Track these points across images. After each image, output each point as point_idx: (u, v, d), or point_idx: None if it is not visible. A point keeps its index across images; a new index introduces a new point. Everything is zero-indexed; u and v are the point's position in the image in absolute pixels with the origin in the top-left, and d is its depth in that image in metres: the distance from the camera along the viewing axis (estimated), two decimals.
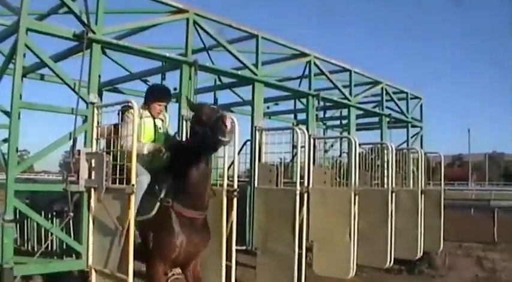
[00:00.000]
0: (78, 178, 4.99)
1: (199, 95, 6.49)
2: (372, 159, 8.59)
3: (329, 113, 11.88)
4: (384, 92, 10.17)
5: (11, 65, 5.17)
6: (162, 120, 5.53)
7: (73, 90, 5.07)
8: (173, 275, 6.77)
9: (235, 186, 5.47)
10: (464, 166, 65.30)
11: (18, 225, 5.81)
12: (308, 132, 6.99)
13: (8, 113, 4.80)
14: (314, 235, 6.93)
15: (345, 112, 10.54)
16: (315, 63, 8.29)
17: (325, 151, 9.50)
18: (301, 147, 6.60)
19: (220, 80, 9.14)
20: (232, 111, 9.23)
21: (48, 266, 5.02)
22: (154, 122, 5.40)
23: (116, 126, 5.05)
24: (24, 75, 5.76)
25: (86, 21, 5.12)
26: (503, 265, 10.04)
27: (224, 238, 5.26)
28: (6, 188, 4.58)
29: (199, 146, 4.69)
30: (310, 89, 8.26)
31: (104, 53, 6.57)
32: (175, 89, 6.55)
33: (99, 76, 5.56)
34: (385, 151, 8.35)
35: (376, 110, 10.48)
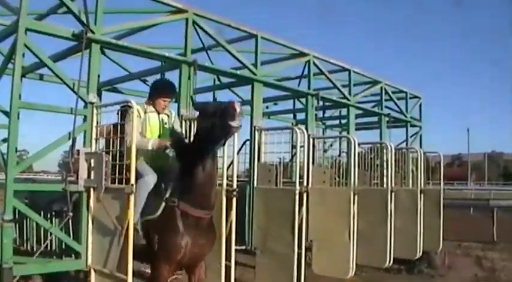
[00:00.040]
0: (77, 178, 4.99)
1: (199, 95, 6.50)
2: (371, 158, 8.59)
3: (328, 113, 11.88)
4: (383, 91, 10.17)
5: (10, 65, 5.17)
6: (168, 116, 5.43)
7: (72, 90, 5.06)
8: (172, 274, 6.78)
9: (235, 186, 5.48)
10: (463, 166, 65.34)
11: (17, 225, 5.82)
12: (307, 131, 6.99)
13: (7, 113, 4.80)
14: (313, 235, 6.93)
15: (344, 112, 10.54)
16: (314, 62, 8.29)
17: (325, 151, 9.49)
18: (301, 146, 6.60)
19: (219, 80, 9.14)
20: None
21: (47, 265, 5.03)
22: (159, 118, 5.30)
23: (115, 126, 5.04)
24: (23, 75, 5.76)
25: (85, 21, 5.12)
26: (502, 264, 10.04)
27: (224, 238, 5.27)
28: (5, 188, 4.58)
29: (208, 139, 4.61)
30: (309, 88, 8.26)
31: (103, 52, 6.58)
32: None
33: (98, 76, 5.55)
34: (385, 151, 8.35)
35: (376, 109, 10.48)
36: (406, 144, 10.88)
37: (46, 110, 5.25)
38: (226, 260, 5.33)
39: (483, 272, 9.38)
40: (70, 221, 5.00)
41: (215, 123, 4.47)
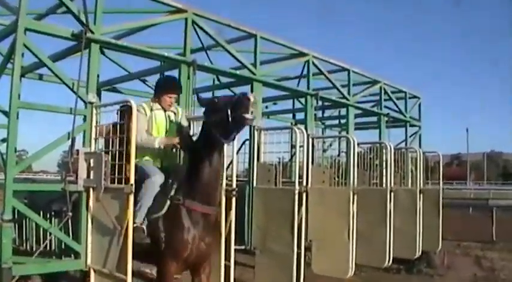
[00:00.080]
0: (76, 178, 4.98)
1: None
2: (370, 158, 8.59)
3: (327, 113, 11.90)
4: (383, 91, 10.18)
5: (9, 65, 5.16)
6: (175, 113, 5.36)
7: (71, 90, 5.06)
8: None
9: (234, 185, 5.48)
10: (462, 165, 65.37)
11: (16, 225, 5.81)
12: (307, 131, 6.99)
13: (6, 113, 4.80)
14: (313, 234, 6.93)
15: (343, 111, 10.55)
16: (313, 62, 8.30)
17: (324, 150, 9.49)
18: (300, 146, 6.61)
19: (218, 80, 9.14)
20: None
21: (46, 265, 5.02)
22: (166, 115, 5.24)
23: (114, 125, 5.03)
24: (22, 75, 5.76)
25: (84, 21, 5.12)
26: (501, 264, 10.05)
27: (223, 238, 5.27)
28: (4, 188, 4.57)
29: (220, 133, 4.53)
30: (308, 88, 8.27)
31: (103, 52, 6.59)
32: None
33: (98, 76, 5.55)
34: (384, 150, 8.36)
35: (375, 109, 10.50)
36: (405, 144, 10.90)
37: (45, 109, 5.24)
38: (225, 259, 5.33)
39: (482, 271, 9.38)
40: (69, 221, 4.99)
41: (227, 117, 4.40)
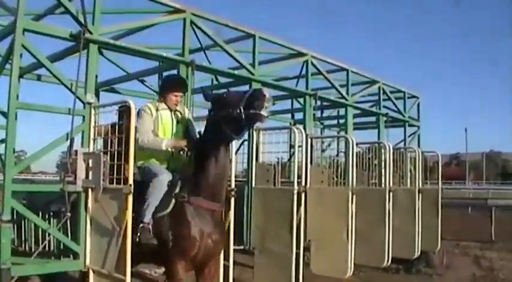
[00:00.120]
0: (75, 178, 4.98)
1: (196, 95, 6.48)
2: (369, 158, 8.60)
3: (326, 113, 11.91)
4: (381, 91, 10.19)
5: (7, 66, 5.17)
6: (181, 113, 5.24)
7: (70, 90, 5.05)
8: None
9: (233, 185, 5.48)
10: (461, 165, 65.36)
11: (15, 226, 5.81)
12: (305, 131, 6.99)
13: (4, 114, 4.79)
14: (312, 234, 6.93)
15: (342, 111, 10.56)
16: (312, 62, 8.30)
17: (323, 150, 9.50)
18: (299, 146, 6.61)
19: (217, 80, 9.15)
20: None
21: (45, 266, 5.01)
22: (172, 115, 5.12)
23: (113, 126, 5.03)
24: (21, 76, 5.74)
25: (82, 22, 5.12)
26: (500, 264, 10.04)
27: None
28: (3, 188, 4.58)
29: (230, 129, 4.48)
30: (307, 88, 8.28)
31: (101, 53, 6.60)
32: None
33: (96, 76, 5.56)
34: (383, 150, 8.36)
35: (373, 109, 10.51)
36: (404, 144, 10.91)
37: (44, 110, 5.23)
38: (224, 259, 5.33)
39: (481, 271, 9.38)
40: (68, 222, 4.99)
41: (240, 113, 4.34)
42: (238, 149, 7.58)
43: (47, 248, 5.53)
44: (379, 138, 10.08)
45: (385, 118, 10.33)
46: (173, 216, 4.63)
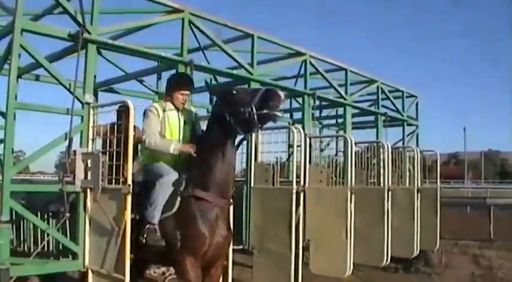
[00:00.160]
0: (74, 178, 4.98)
1: (195, 95, 6.49)
2: (367, 158, 8.60)
3: (325, 112, 11.92)
4: (380, 90, 10.20)
5: (6, 66, 5.17)
6: (188, 113, 5.10)
7: (68, 90, 5.06)
8: (170, 274, 6.79)
9: None
10: (460, 164, 65.40)
11: (14, 226, 5.81)
12: (304, 131, 6.98)
13: (3, 114, 4.79)
14: (310, 234, 6.93)
15: (340, 111, 10.57)
16: (310, 62, 8.31)
17: (321, 150, 9.49)
18: (297, 146, 6.61)
19: (216, 80, 9.14)
20: None
21: (44, 266, 5.02)
22: (179, 115, 4.98)
23: (112, 126, 5.03)
24: (19, 76, 5.75)
25: (81, 22, 5.12)
26: (499, 262, 10.06)
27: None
28: (2, 189, 4.58)
29: (241, 127, 4.44)
30: (306, 88, 8.28)
31: (100, 53, 6.58)
32: None
33: (95, 76, 5.55)
34: (381, 150, 8.36)
35: (372, 108, 10.52)
36: (403, 143, 10.92)
37: (42, 110, 5.23)
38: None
39: (480, 270, 9.39)
40: (67, 222, 4.99)
41: (251, 111, 4.29)
42: (237, 149, 7.56)
43: (45, 248, 5.53)
44: (377, 137, 10.09)
45: (383, 117, 10.35)
46: (180, 215, 4.56)
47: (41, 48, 5.19)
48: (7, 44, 5.01)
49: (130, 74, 7.79)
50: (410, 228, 8.59)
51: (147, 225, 4.54)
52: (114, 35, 6.59)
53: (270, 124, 4.78)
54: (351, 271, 6.84)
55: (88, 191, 4.93)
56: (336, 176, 7.83)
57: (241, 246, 6.93)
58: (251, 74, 7.14)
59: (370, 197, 7.72)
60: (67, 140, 4.95)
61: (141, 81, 8.44)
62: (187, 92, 5.02)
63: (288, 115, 11.84)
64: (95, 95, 5.88)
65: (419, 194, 8.91)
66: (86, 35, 5.13)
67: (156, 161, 4.84)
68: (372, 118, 10.88)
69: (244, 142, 7.27)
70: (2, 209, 4.54)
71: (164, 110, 4.90)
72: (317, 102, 8.77)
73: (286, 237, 6.04)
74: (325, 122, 12.52)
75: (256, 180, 6.75)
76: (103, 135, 5.12)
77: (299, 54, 8.22)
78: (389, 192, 7.88)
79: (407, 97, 11.24)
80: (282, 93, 4.32)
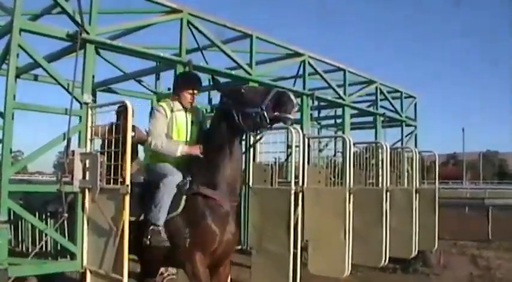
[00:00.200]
0: (72, 179, 4.97)
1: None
2: (366, 158, 8.61)
3: (323, 113, 11.93)
4: (378, 91, 10.20)
5: (4, 66, 5.16)
6: (194, 113, 5.02)
7: (67, 90, 5.05)
8: (168, 275, 6.78)
9: None
10: (458, 165, 65.57)
11: (12, 226, 5.80)
12: (302, 131, 6.99)
13: (1, 114, 4.78)
14: (309, 234, 6.93)
15: (339, 111, 10.59)
16: (309, 62, 8.30)
17: (320, 150, 9.50)
18: (296, 146, 6.61)
19: (214, 80, 9.11)
20: None
21: (42, 267, 5.00)
22: (187, 116, 4.90)
23: (111, 126, 5.01)
24: (17, 76, 5.74)
25: (79, 22, 5.11)
26: (497, 263, 10.07)
27: None
28: (0, 189, 4.56)
29: (246, 126, 4.45)
30: (304, 88, 8.28)
31: (98, 53, 6.57)
32: (169, 89, 6.54)
33: (93, 76, 5.55)
34: (380, 150, 8.37)
35: (371, 109, 10.52)
36: (401, 144, 10.92)
37: (41, 110, 5.22)
38: None
39: (478, 270, 9.40)
40: (65, 222, 4.98)
41: (262, 112, 4.32)
42: None
43: (44, 249, 5.52)
44: (376, 138, 10.09)
45: (382, 118, 10.34)
46: (187, 214, 4.53)
47: (40, 48, 5.19)
48: (5, 44, 5.00)
49: (129, 74, 7.78)
50: (409, 229, 8.59)
51: (151, 227, 4.51)
52: (113, 35, 6.58)
53: None
54: (349, 271, 6.83)
55: (86, 191, 4.92)
56: (334, 177, 7.83)
57: (239, 247, 6.92)
58: (250, 74, 7.14)
59: (369, 197, 7.72)
60: (65, 140, 4.95)
61: (139, 82, 8.44)
62: (195, 91, 4.99)
63: None
64: (93, 95, 5.87)
65: (417, 195, 8.91)
66: (84, 35, 5.12)
67: (159, 161, 4.80)
68: (370, 119, 10.89)
69: (243, 142, 7.30)
70: (0, 209, 4.53)
71: (172, 110, 4.83)
72: (316, 103, 8.78)
73: (284, 238, 6.04)
74: (324, 122, 12.53)
75: (255, 181, 6.75)
76: (101, 135, 5.12)
77: (298, 54, 8.22)
78: (388, 193, 7.88)
79: (405, 98, 11.24)
80: (294, 99, 4.36)
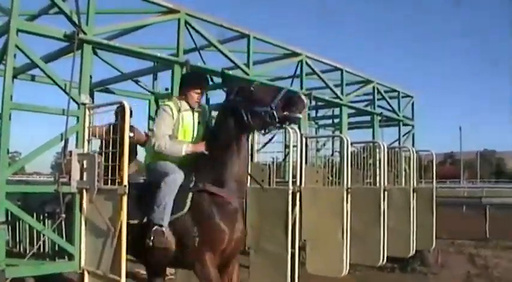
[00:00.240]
0: (69, 179, 4.97)
1: None
2: (364, 158, 8.60)
3: (321, 112, 11.94)
4: (376, 90, 10.21)
5: (1, 66, 5.15)
6: (200, 113, 4.99)
7: (64, 91, 5.04)
8: (167, 275, 6.77)
9: None
10: (456, 164, 65.70)
11: (10, 227, 5.78)
12: (300, 131, 6.98)
13: None
14: (307, 234, 6.93)
15: (336, 111, 10.58)
16: (306, 62, 8.31)
17: (317, 150, 9.52)
18: (293, 146, 6.60)
19: (212, 80, 9.10)
20: None
21: (40, 267, 4.99)
22: (194, 116, 4.88)
23: (109, 126, 5.01)
24: (14, 76, 5.71)
25: (76, 22, 5.10)
26: (495, 262, 10.10)
27: None
28: None
29: (255, 125, 4.46)
30: (302, 88, 8.27)
31: (95, 53, 6.57)
32: (166, 89, 6.53)
33: (91, 77, 5.53)
34: (377, 150, 8.37)
35: (368, 108, 10.54)
36: (399, 143, 10.93)
37: (38, 111, 5.21)
38: None
39: (476, 269, 9.43)
40: (63, 223, 4.97)
41: (273, 113, 4.32)
42: None
43: (41, 249, 5.50)
44: (373, 137, 10.11)
45: (379, 117, 10.36)
46: (195, 213, 4.47)
47: (37, 48, 5.17)
48: (2, 44, 4.99)
49: (126, 74, 7.77)
50: (407, 228, 8.60)
51: (154, 227, 4.46)
52: (110, 35, 6.58)
53: None
54: (347, 271, 6.84)
55: (84, 191, 4.92)
56: (332, 176, 7.83)
57: None
58: (247, 74, 7.14)
59: (366, 197, 7.72)
60: (63, 141, 4.93)
61: (136, 82, 8.42)
62: (202, 90, 4.97)
63: None
64: (91, 95, 5.86)
65: (415, 194, 8.93)
66: (81, 35, 5.11)
67: (160, 160, 4.78)
68: (367, 118, 10.90)
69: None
70: None
71: (179, 110, 4.80)
72: (313, 103, 8.78)
73: (282, 238, 6.04)
74: (321, 122, 12.54)
75: (253, 181, 6.75)
76: (99, 135, 5.11)
77: (295, 54, 8.23)
78: (386, 192, 7.89)
79: (403, 97, 11.26)
80: (305, 100, 4.39)
